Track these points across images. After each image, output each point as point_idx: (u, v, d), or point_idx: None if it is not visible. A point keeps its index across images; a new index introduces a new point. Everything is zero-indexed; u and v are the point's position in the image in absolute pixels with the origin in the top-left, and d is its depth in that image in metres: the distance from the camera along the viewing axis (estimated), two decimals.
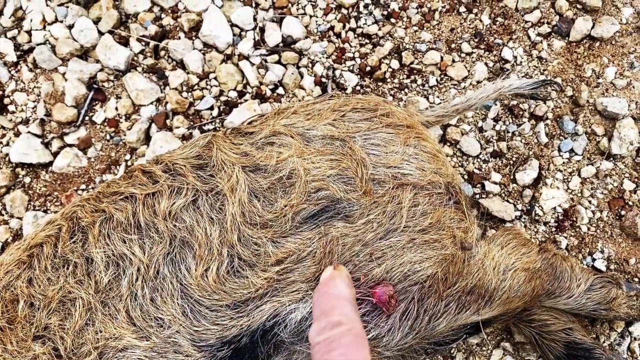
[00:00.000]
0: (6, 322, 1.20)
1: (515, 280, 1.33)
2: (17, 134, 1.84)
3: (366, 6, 1.82)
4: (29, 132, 1.83)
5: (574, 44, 1.78)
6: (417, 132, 1.32)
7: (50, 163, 1.81)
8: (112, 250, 1.21)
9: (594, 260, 1.64)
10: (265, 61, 1.81)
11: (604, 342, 1.58)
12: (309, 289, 1.19)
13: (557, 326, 1.47)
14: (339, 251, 1.19)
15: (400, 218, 1.20)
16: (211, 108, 1.79)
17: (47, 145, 1.82)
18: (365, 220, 1.20)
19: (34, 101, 1.85)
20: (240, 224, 1.20)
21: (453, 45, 1.80)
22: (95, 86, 1.83)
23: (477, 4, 1.82)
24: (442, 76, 1.79)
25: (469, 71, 1.78)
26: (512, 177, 1.71)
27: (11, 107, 1.85)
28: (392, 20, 1.83)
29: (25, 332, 1.19)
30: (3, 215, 1.80)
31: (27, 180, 1.81)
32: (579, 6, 1.80)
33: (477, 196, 1.70)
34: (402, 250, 1.20)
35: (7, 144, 1.83)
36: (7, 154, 1.82)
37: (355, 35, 1.82)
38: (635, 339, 1.57)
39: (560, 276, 1.41)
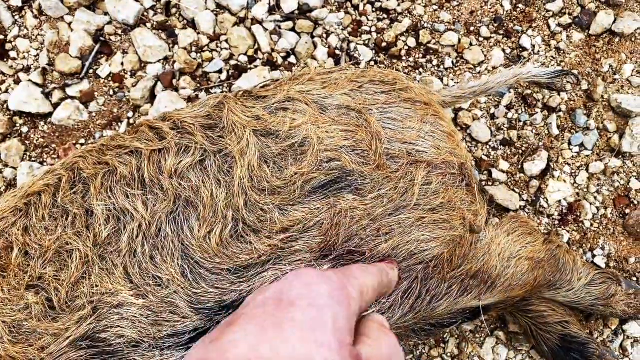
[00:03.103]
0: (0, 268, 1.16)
1: (519, 269, 1.32)
2: (17, 82, 1.78)
3: None
4: (29, 80, 1.77)
5: (594, 37, 1.76)
6: (435, 110, 1.29)
7: (50, 114, 1.76)
8: (114, 204, 1.17)
9: (594, 256, 1.64)
10: (279, 28, 1.76)
11: (597, 338, 1.58)
12: (312, 259, 1.17)
13: (553, 318, 1.47)
14: (346, 224, 1.16)
15: (412, 195, 1.18)
16: (220, 71, 1.75)
17: (47, 95, 1.76)
18: (376, 194, 1.17)
19: (37, 49, 1.79)
20: (248, 188, 1.17)
21: (472, 29, 1.77)
22: (102, 39, 1.77)
23: None
24: (458, 59, 1.76)
25: (485, 56, 1.75)
26: (520, 166, 1.69)
27: (12, 54, 1.79)
28: None
29: (18, 280, 1.15)
30: None
31: (25, 129, 1.76)
32: (602, 0, 1.77)
33: (484, 183, 1.68)
34: (410, 228, 1.18)
35: (6, 91, 1.77)
36: (5, 102, 1.76)
37: (374, 9, 1.78)
38: (628, 337, 1.57)
39: (563, 268, 1.40)
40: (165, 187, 1.18)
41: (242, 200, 1.17)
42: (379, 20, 1.78)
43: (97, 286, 1.13)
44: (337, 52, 1.75)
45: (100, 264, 1.14)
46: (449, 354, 1.59)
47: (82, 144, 1.74)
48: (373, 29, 1.77)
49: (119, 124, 1.75)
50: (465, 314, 1.35)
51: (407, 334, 1.34)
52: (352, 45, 1.75)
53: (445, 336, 1.60)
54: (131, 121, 1.74)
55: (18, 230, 1.19)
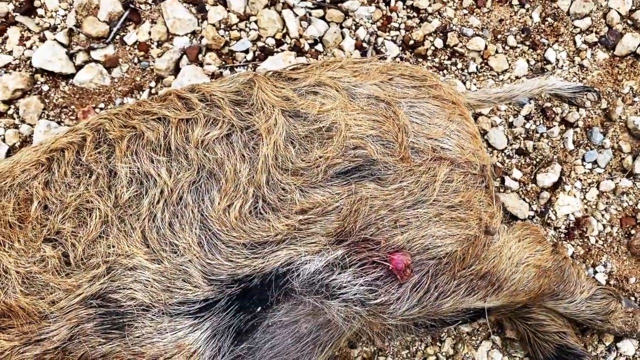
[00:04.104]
0: (17, 219, 1.17)
1: (526, 275, 1.34)
2: (43, 40, 1.77)
3: None
4: (55, 39, 1.77)
5: (618, 58, 1.78)
6: (461, 110, 1.30)
7: (72, 75, 1.76)
8: (138, 168, 1.18)
9: (595, 272, 1.66)
10: (310, 14, 1.77)
11: (591, 352, 1.61)
12: (327, 243, 1.18)
13: (552, 328, 1.49)
14: (365, 212, 1.17)
15: (432, 191, 1.20)
16: (246, 51, 1.75)
17: (71, 56, 1.76)
18: (397, 186, 1.19)
19: (65, 9, 1.79)
20: (272, 166, 1.18)
21: (499, 36, 1.78)
22: (131, 6, 1.77)
23: (531, 0, 1.80)
24: (483, 64, 1.77)
25: (509, 65, 1.77)
26: (532, 177, 1.71)
27: (40, 11, 1.78)
28: None
29: (35, 233, 1.16)
30: (14, 119, 1.75)
31: (45, 88, 1.75)
32: (629, 22, 1.79)
33: (496, 189, 1.70)
34: (427, 222, 1.20)
35: (30, 48, 1.77)
36: (29, 58, 1.76)
37: (404, 7, 1.79)
38: (621, 354, 1.60)
39: (567, 280, 1.42)
40: (190, 156, 1.19)
41: (264, 177, 1.18)
42: (408, 18, 1.79)
43: (113, 247, 1.14)
44: (365, 45, 1.76)
45: (119, 225, 1.15)
46: (444, 353, 1.61)
47: (101, 108, 1.74)
48: (402, 26, 1.78)
49: (141, 92, 1.75)
50: (469, 313, 1.36)
51: (409, 326, 1.35)
52: (380, 40, 1.76)
53: (442, 335, 1.62)
54: (153, 91, 1.74)
55: (39, 183, 1.20)
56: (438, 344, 1.62)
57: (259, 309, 1.17)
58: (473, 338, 1.63)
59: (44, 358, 1.12)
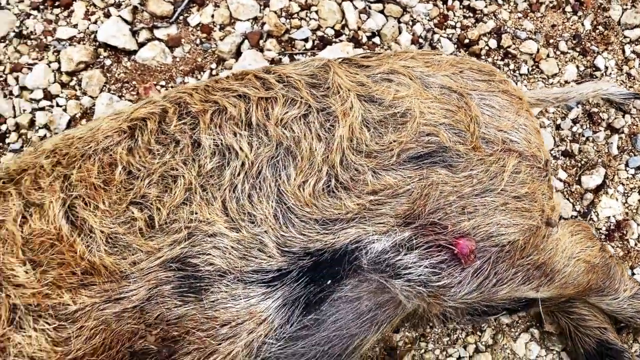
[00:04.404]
0: (102, 182, 1.21)
1: (576, 269, 1.39)
2: (107, 15, 1.82)
3: None
4: (119, 16, 1.81)
5: None
6: (527, 106, 1.35)
7: (134, 52, 1.81)
8: (221, 140, 1.23)
9: (633, 274, 1.71)
10: (369, 7, 1.82)
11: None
12: (395, 225, 1.23)
13: (593, 323, 1.54)
14: (435, 196, 1.22)
15: (501, 181, 1.25)
16: (306, 40, 1.80)
17: (134, 33, 1.81)
18: (467, 174, 1.24)
19: None
20: (346, 147, 1.23)
21: (551, 41, 1.84)
22: None
23: (583, 8, 1.85)
24: (534, 67, 1.82)
25: (560, 69, 1.82)
26: (577, 178, 1.76)
27: None
28: (500, 1, 1.85)
29: (119, 196, 1.20)
30: (76, 90, 1.79)
31: (108, 62, 1.80)
32: None
33: None
34: (493, 210, 1.25)
35: (95, 22, 1.82)
36: (93, 32, 1.81)
37: (461, 6, 1.84)
38: None
39: (613, 277, 1.47)
40: (270, 133, 1.24)
41: (338, 157, 1.23)
42: (464, 17, 1.84)
43: (195, 213, 1.19)
44: (421, 40, 1.81)
45: (202, 193, 1.20)
46: (483, 343, 1.66)
47: (162, 86, 1.79)
48: (458, 24, 1.83)
49: (201, 73, 1.80)
50: (521, 302, 1.42)
51: (465, 310, 1.40)
52: (436, 37, 1.81)
53: (483, 325, 1.67)
54: (214, 72, 1.79)
55: (122, 149, 1.24)
56: (478, 333, 1.67)
57: (328, 282, 1.22)
58: (512, 330, 1.68)
59: (122, 316, 1.17)
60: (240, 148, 1.22)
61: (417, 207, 1.22)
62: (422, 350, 1.66)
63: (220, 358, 1.20)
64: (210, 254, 1.18)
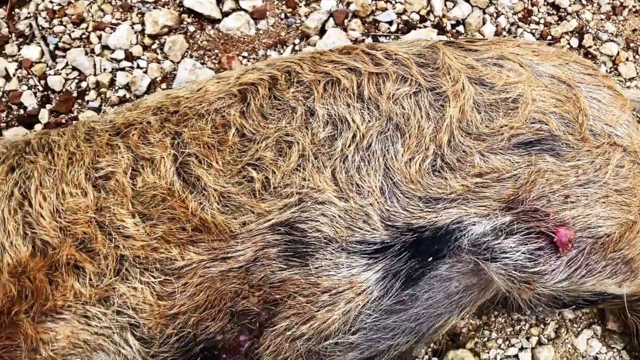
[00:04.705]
0: (216, 142, 1.22)
1: None
2: None
3: None
4: None
5: None
6: (628, 103, 1.37)
7: (218, 20, 1.81)
8: (335, 111, 1.24)
9: None
10: None
11: None
12: (497, 208, 1.24)
13: None
14: (541, 183, 1.24)
15: (604, 173, 1.26)
16: (390, 23, 1.81)
17: (219, 2, 1.81)
18: (574, 164, 1.25)
19: None
20: (455, 128, 1.24)
21: (631, 45, 1.85)
22: None
23: None
24: (613, 69, 1.84)
25: (637, 73, 1.84)
26: None
27: None
28: (583, 1, 1.86)
29: (233, 157, 1.21)
30: (158, 54, 1.80)
31: (192, 29, 1.81)
32: None
33: None
34: (594, 202, 1.26)
35: None
36: None
37: (545, 3, 1.85)
38: None
39: None
40: (382, 107, 1.25)
41: (446, 138, 1.24)
42: (548, 14, 1.85)
43: (307, 180, 1.20)
44: (504, 33, 1.82)
45: (314, 161, 1.21)
46: (546, 336, 1.68)
47: (244, 57, 1.79)
48: (542, 20, 1.84)
49: (284, 47, 1.80)
50: (603, 296, 1.43)
51: (552, 297, 1.42)
52: (520, 31, 1.82)
53: (546, 319, 1.69)
54: (297, 48, 1.80)
55: (235, 112, 1.25)
56: (542, 326, 1.68)
57: (429, 259, 1.23)
58: (575, 325, 1.70)
59: (227, 275, 1.18)
60: (353, 120, 1.23)
61: (522, 193, 1.23)
62: (485, 339, 1.68)
63: (317, 324, 1.22)
64: (318, 221, 1.19)
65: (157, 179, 1.19)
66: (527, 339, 1.68)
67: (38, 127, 1.72)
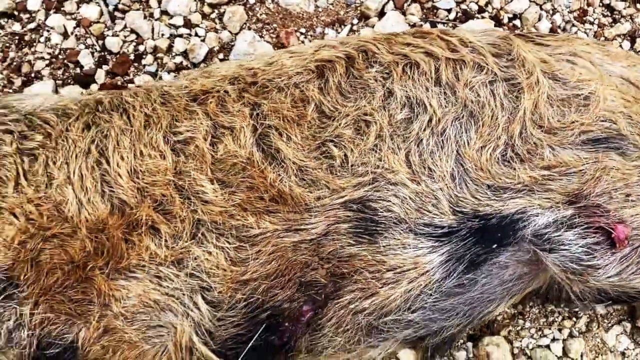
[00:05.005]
0: (295, 116, 1.24)
1: None
2: None
3: None
4: None
5: None
6: None
7: None
8: (413, 93, 1.26)
9: None
10: None
11: None
12: (560, 202, 1.28)
13: None
14: (605, 180, 1.27)
15: None
16: (449, 10, 1.82)
17: None
18: (638, 164, 1.29)
19: None
20: (528, 120, 1.27)
21: None
22: None
23: None
24: None
25: None
26: None
27: None
28: (638, 6, 1.88)
29: (311, 132, 1.23)
30: (216, 24, 1.80)
31: (252, 1, 1.81)
32: None
33: None
34: None
35: None
36: None
37: (601, 4, 1.87)
38: None
39: None
40: (458, 93, 1.27)
41: (518, 129, 1.27)
42: (603, 15, 1.87)
43: (382, 160, 1.22)
44: (559, 31, 1.84)
45: (390, 142, 1.23)
46: (577, 329, 1.73)
47: (302, 33, 1.80)
48: (596, 21, 1.86)
49: (342, 26, 1.81)
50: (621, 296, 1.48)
51: (599, 292, 1.46)
52: (574, 30, 1.85)
53: (579, 313, 1.74)
54: (355, 28, 1.81)
55: (314, 87, 1.27)
56: (574, 319, 1.74)
57: (494, 245, 1.26)
58: (605, 320, 1.75)
59: (299, 247, 1.21)
60: (430, 104, 1.26)
61: (586, 188, 1.27)
62: (519, 327, 1.73)
63: (379, 300, 1.25)
64: (390, 201, 1.22)
65: (238, 147, 1.21)
66: (560, 330, 1.73)
67: (94, 87, 1.73)
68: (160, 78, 1.75)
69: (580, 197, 1.27)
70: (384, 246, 1.22)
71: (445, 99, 1.27)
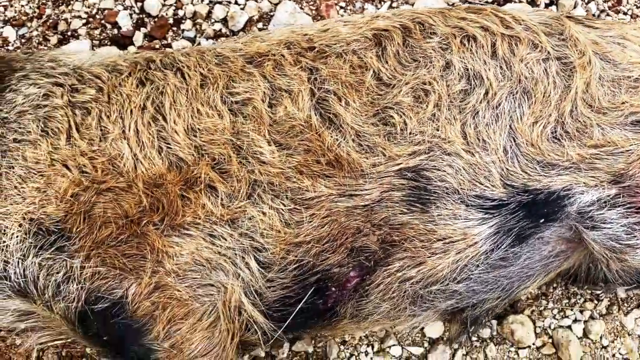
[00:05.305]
0: (355, 81, 1.24)
1: None
2: None
3: None
4: None
5: None
6: None
7: None
8: (471, 66, 1.27)
9: None
10: None
11: None
12: (605, 181, 1.30)
13: None
14: None
15: None
16: None
17: None
18: None
19: None
20: (579, 99, 1.29)
21: None
22: None
23: None
24: None
25: None
26: None
27: None
28: None
29: (369, 99, 1.24)
30: None
31: None
32: None
33: None
34: None
35: None
36: None
37: None
38: None
39: None
40: (514, 68, 1.29)
41: (569, 107, 1.28)
42: (636, 7, 1.90)
43: (439, 130, 1.23)
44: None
45: (447, 112, 1.24)
46: (598, 311, 1.77)
47: (341, 7, 1.80)
48: (630, 12, 1.89)
49: (382, 2, 1.81)
50: None
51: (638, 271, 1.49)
52: (608, 19, 1.87)
53: (600, 296, 1.78)
54: (394, 4, 1.81)
55: (372, 55, 1.27)
56: (595, 301, 1.78)
57: (541, 220, 1.29)
58: (625, 304, 1.79)
59: (352, 212, 1.22)
60: (487, 77, 1.27)
61: (632, 169, 1.29)
62: (542, 307, 1.76)
63: (426, 270, 1.27)
64: (444, 171, 1.23)
65: (296, 110, 1.21)
66: (581, 312, 1.77)
67: (131, 49, 1.71)
68: (199, 44, 1.73)
69: (626, 177, 1.30)
70: (435, 215, 1.24)
71: (501, 73, 1.28)
